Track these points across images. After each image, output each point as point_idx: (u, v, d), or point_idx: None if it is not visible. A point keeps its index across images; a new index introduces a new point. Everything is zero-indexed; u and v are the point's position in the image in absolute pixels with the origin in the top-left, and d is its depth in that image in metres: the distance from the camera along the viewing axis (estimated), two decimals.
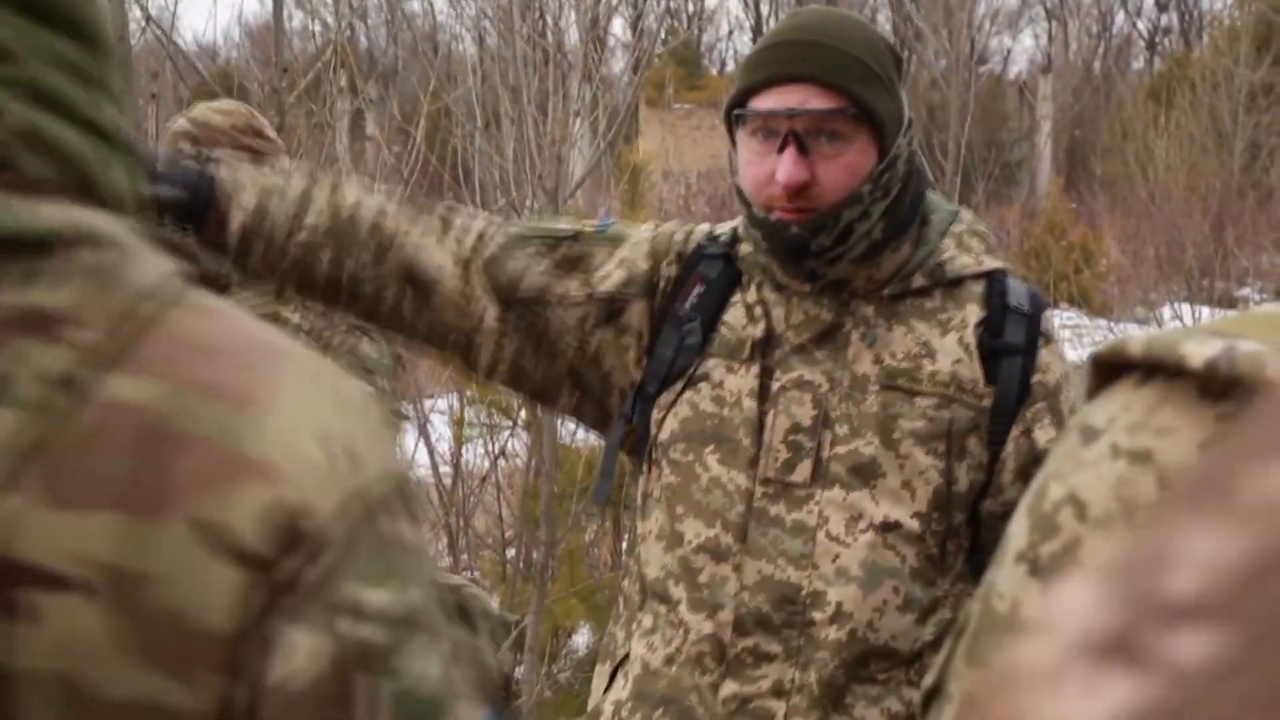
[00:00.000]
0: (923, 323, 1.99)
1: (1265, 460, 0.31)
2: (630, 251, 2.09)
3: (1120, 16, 37.01)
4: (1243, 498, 0.30)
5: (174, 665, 0.67)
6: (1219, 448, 0.33)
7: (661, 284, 2.07)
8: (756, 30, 37.19)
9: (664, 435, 2.03)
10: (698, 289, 2.06)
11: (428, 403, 6.24)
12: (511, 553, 5.37)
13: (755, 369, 1.99)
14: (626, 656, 2.07)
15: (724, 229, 2.12)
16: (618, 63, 12.22)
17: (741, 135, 1.96)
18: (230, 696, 0.68)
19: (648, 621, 2.05)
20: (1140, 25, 37.66)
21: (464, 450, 5.94)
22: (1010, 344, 1.97)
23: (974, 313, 1.99)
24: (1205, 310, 12.22)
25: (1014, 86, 27.89)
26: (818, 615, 1.93)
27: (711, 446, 1.99)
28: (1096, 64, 33.56)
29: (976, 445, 1.95)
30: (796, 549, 1.94)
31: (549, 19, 5.80)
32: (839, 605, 1.92)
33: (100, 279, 0.73)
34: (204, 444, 0.69)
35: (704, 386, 2.01)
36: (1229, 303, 14.89)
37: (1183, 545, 0.30)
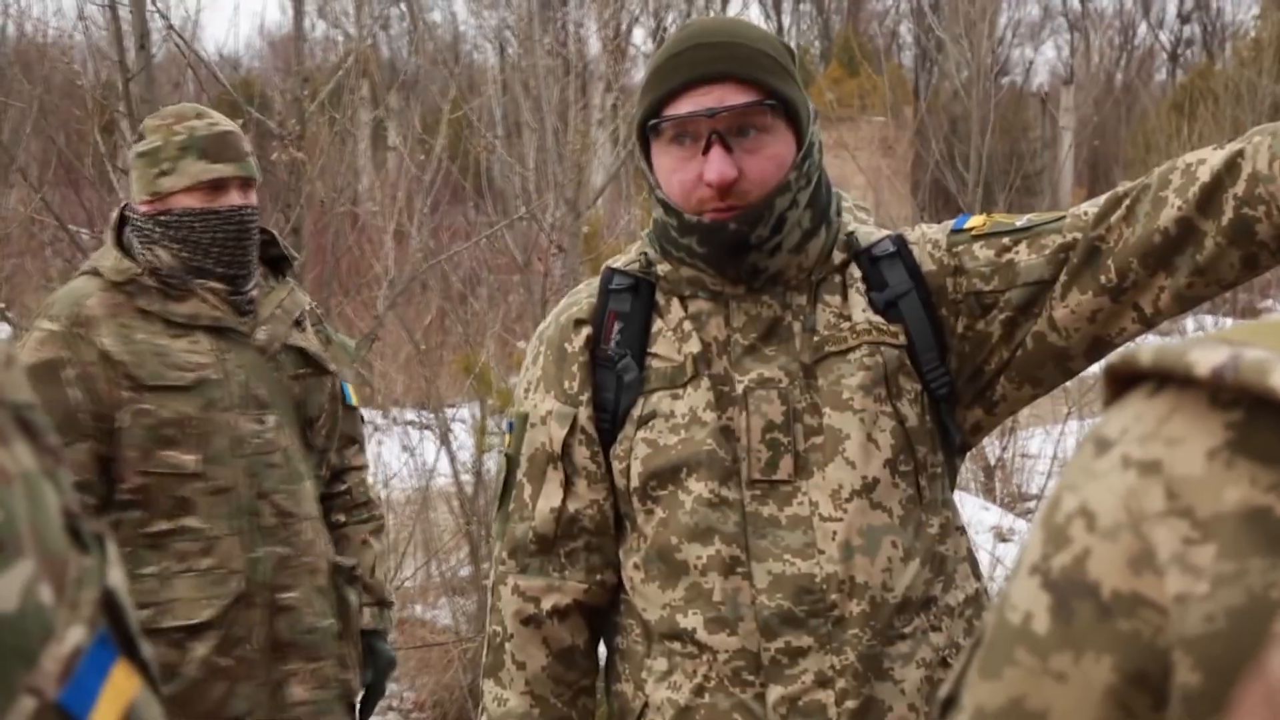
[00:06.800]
0: (833, 295, 2.04)
1: None
2: (545, 426, 2.09)
3: (1143, 28, 36.95)
4: None
5: None
6: None
7: (576, 389, 2.08)
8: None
9: (633, 482, 2.04)
10: (616, 326, 2.07)
11: (450, 411, 6.24)
12: None
13: (704, 383, 2.01)
14: (646, 705, 2.05)
15: (620, 261, 2.13)
16: (639, 72, 12.22)
17: (659, 146, 1.99)
18: None
19: (660, 665, 2.04)
20: (1163, 37, 37.60)
21: (486, 459, 5.93)
22: (895, 287, 2.04)
23: (856, 271, 2.06)
24: (1229, 322, 12.18)
25: (1036, 98, 27.80)
26: (836, 596, 1.96)
27: (684, 471, 2.00)
28: (1119, 75, 33.47)
29: (907, 381, 2.02)
30: (798, 541, 1.97)
31: (570, 29, 5.81)
32: (852, 579, 1.96)
33: None
34: None
35: (656, 423, 2.02)
36: (1253, 314, 14.83)
37: None
